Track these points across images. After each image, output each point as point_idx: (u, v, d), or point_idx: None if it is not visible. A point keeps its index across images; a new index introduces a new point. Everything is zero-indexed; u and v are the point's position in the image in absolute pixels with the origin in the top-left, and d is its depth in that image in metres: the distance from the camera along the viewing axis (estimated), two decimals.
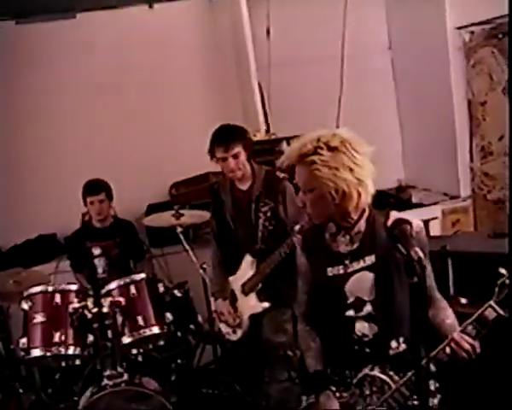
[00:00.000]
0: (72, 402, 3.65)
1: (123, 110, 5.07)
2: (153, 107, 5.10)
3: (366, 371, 2.05)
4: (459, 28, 4.17)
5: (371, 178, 2.00)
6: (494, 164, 4.18)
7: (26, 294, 3.36)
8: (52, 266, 4.87)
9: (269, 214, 3.15)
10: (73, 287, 3.52)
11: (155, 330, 3.48)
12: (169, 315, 3.54)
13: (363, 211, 2.08)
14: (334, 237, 2.12)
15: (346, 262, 2.09)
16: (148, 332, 3.46)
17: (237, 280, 3.37)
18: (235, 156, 3.15)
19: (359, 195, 1.98)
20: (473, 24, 4.12)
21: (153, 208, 4.78)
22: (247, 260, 3.30)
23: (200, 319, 3.91)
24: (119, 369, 3.38)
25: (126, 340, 3.42)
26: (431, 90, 4.47)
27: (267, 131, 4.63)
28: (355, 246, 2.09)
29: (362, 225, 2.08)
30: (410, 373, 1.95)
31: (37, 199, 4.98)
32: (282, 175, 3.20)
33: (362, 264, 2.07)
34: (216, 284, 3.56)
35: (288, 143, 3.84)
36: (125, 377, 3.37)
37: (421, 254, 1.67)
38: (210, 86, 5.17)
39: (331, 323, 2.17)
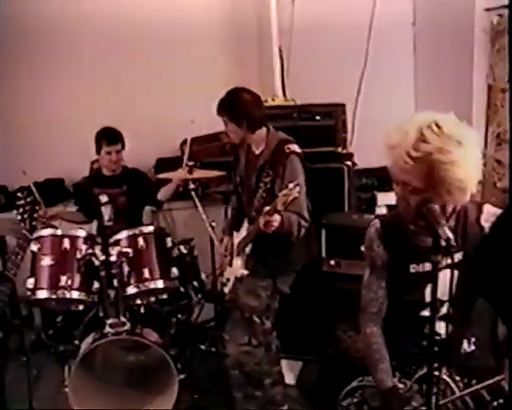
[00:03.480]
0: (72, 345, 3.72)
1: (134, 62, 5.02)
2: (167, 62, 5.05)
3: None
4: (488, 10, 4.11)
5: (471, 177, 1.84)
6: (507, 152, 4.17)
7: (35, 236, 3.36)
8: (58, 210, 4.89)
9: (268, 185, 3.08)
10: (82, 233, 3.53)
11: (160, 283, 3.52)
12: (175, 270, 3.57)
13: (455, 206, 1.95)
14: (422, 230, 1.95)
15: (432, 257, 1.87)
16: (152, 285, 3.50)
17: (237, 239, 3.40)
18: (224, 123, 3.26)
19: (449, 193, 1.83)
20: (503, 6, 4.05)
21: (162, 163, 4.78)
22: (245, 224, 3.33)
23: (203, 276, 3.95)
24: (122, 318, 3.43)
25: (131, 290, 3.47)
26: (451, 71, 4.43)
27: (284, 95, 4.60)
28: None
29: (452, 219, 1.96)
30: (479, 385, 1.85)
31: (45, 145, 4.96)
32: (289, 149, 3.14)
33: (449, 261, 1.86)
34: (226, 225, 3.64)
35: (303, 111, 3.86)
36: (127, 326, 3.43)
37: (450, 235, 1.63)
38: (229, 46, 5.12)
39: (403, 320, 2.09)
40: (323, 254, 3.51)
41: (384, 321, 2.14)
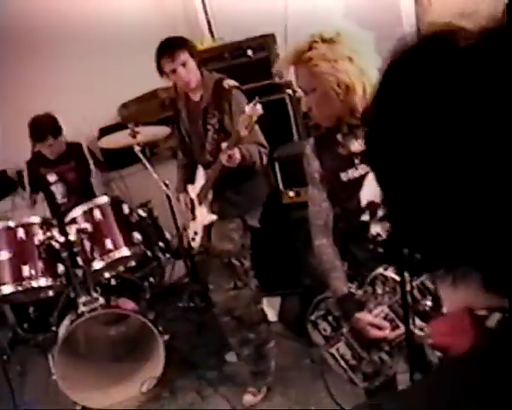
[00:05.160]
0: (50, 333, 3.67)
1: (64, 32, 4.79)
2: (94, 26, 4.83)
3: (380, 270, 1.99)
4: None
5: (376, 68, 1.86)
6: None
7: None
8: (6, 204, 4.75)
9: (217, 126, 3.07)
10: (36, 219, 3.45)
11: (125, 251, 3.48)
12: (137, 235, 3.53)
13: None
14: (347, 138, 2.01)
15: (356, 162, 1.98)
16: (117, 254, 3.46)
17: (194, 190, 3.37)
18: (184, 64, 3.07)
19: (364, 86, 1.87)
20: None
21: (105, 131, 4.64)
22: (200, 171, 3.30)
23: (168, 235, 3.91)
24: (94, 294, 3.39)
25: (97, 265, 3.42)
26: None
27: (212, 37, 4.48)
28: None
29: None
30: (423, 276, 1.87)
31: None
32: (229, 84, 3.10)
33: None
34: (178, 182, 3.55)
35: (234, 49, 3.79)
36: (101, 301, 3.39)
37: None
38: None
39: (346, 227, 2.11)
40: (281, 187, 3.51)
41: (332, 233, 2.18)
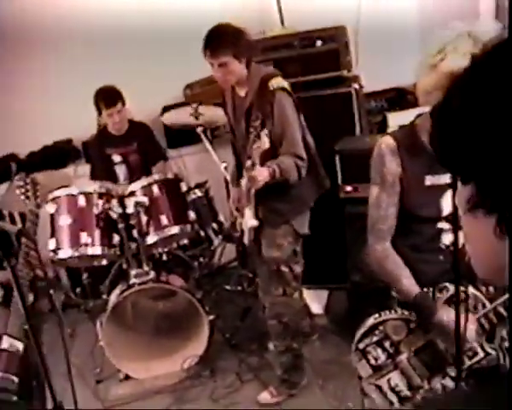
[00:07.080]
0: (100, 300, 3.78)
1: (132, 17, 4.87)
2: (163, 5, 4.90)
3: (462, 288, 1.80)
4: None
5: None
6: None
7: (51, 197, 3.38)
8: (69, 171, 4.91)
9: (259, 130, 2.66)
10: (97, 189, 3.54)
11: (179, 228, 3.52)
12: (192, 214, 3.58)
13: None
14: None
15: None
16: (171, 231, 3.51)
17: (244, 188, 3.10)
18: (223, 65, 2.79)
19: None
20: None
21: (168, 110, 4.71)
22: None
23: (221, 217, 3.94)
24: (146, 267, 3.47)
25: (151, 239, 3.49)
26: None
27: (282, 24, 4.46)
28: None
29: None
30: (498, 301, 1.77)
31: (51, 105, 4.91)
32: (274, 85, 2.80)
33: None
34: (232, 174, 3.37)
35: (304, 38, 3.74)
36: (152, 275, 3.47)
37: None
38: None
39: (416, 238, 2.02)
40: (339, 181, 3.47)
41: (395, 243, 2.07)
